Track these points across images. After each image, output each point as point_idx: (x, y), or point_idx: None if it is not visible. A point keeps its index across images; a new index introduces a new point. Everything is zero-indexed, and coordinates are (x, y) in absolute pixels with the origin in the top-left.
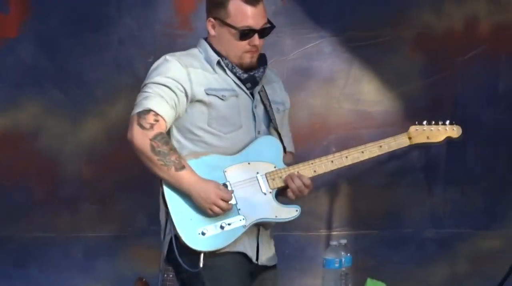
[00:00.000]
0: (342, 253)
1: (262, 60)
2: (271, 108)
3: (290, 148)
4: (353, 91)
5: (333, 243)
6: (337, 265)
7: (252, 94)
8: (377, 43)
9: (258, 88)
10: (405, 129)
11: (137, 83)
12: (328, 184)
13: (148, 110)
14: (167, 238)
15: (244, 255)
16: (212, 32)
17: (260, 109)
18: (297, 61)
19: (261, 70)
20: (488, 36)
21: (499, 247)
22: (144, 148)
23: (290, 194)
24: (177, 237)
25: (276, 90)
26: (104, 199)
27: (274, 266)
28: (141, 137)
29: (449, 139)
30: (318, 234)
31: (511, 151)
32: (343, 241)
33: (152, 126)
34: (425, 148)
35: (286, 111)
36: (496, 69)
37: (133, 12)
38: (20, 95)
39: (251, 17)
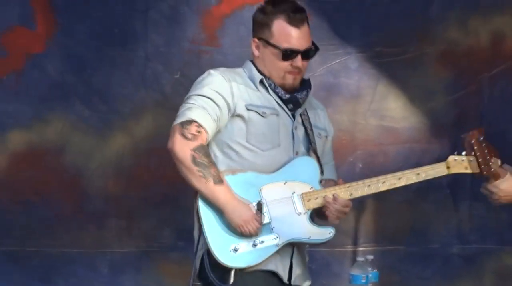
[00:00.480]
0: (369, 269)
1: (306, 84)
2: (312, 131)
3: (332, 176)
4: (380, 108)
5: (360, 259)
6: (363, 281)
7: (293, 115)
8: (403, 59)
9: (300, 110)
10: (432, 145)
11: (163, 100)
12: (354, 200)
13: (191, 121)
14: (199, 254)
15: (275, 274)
16: (256, 52)
17: (300, 131)
18: (323, 77)
19: (304, 93)
20: None
21: None
22: (184, 158)
23: (331, 218)
24: (209, 252)
25: (319, 117)
26: (130, 215)
27: None
28: (182, 147)
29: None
30: (344, 250)
31: None
32: (370, 257)
33: (194, 137)
34: None
35: (328, 138)
36: None
37: (160, 28)
38: (47, 110)
39: (294, 38)
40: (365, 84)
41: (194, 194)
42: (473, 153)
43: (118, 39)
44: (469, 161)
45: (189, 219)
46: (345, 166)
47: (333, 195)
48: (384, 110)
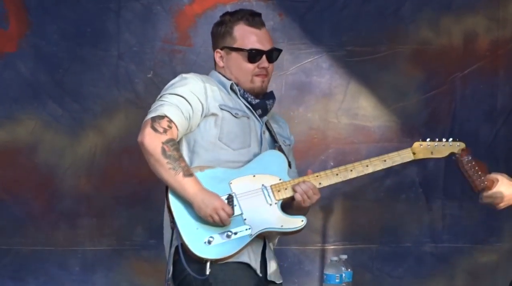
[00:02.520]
0: (343, 268)
1: (272, 95)
2: (277, 137)
3: None
4: (351, 106)
5: (334, 258)
6: (337, 280)
7: (261, 121)
8: (375, 59)
9: (266, 118)
10: (403, 144)
11: (136, 99)
12: (326, 198)
13: (163, 116)
14: (173, 250)
15: (249, 266)
16: (220, 63)
17: (267, 136)
18: (295, 76)
19: (271, 101)
20: (486, 52)
21: (497, 261)
22: (155, 150)
23: (297, 196)
24: (184, 245)
25: (283, 128)
26: (102, 213)
27: (280, 284)
28: (152, 140)
29: (452, 154)
30: (316, 248)
31: (508, 165)
32: (344, 256)
33: (165, 130)
34: (423, 162)
35: (291, 146)
36: (494, 85)
37: (132, 27)
38: (19, 109)
39: (257, 39)
40: (337, 83)
41: (165, 191)
42: (466, 175)
43: (91, 39)
44: (434, 146)
45: (161, 217)
46: (316, 164)
47: (303, 179)
48: (356, 109)
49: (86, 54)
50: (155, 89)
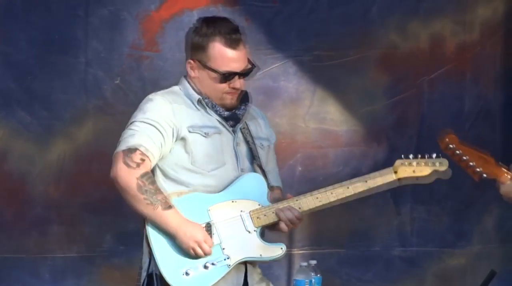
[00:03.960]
0: (312, 274)
1: (244, 98)
2: (254, 144)
3: (277, 182)
4: (319, 111)
5: (303, 264)
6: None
7: (234, 131)
8: (343, 63)
9: (240, 125)
10: (370, 148)
11: (104, 105)
12: None
13: (135, 149)
14: (145, 276)
15: None
16: (192, 73)
17: (243, 147)
18: (262, 81)
19: (243, 107)
20: (453, 55)
21: (465, 264)
22: (129, 187)
23: (282, 225)
24: (160, 277)
25: (260, 126)
26: (72, 220)
27: None
28: (126, 176)
29: (437, 178)
30: (286, 253)
31: None
32: (313, 262)
33: (138, 165)
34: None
35: (271, 146)
36: (461, 88)
37: (100, 34)
38: None
39: (232, 60)
40: (304, 87)
41: (142, 220)
42: (461, 160)
43: (59, 46)
44: (417, 163)
45: (131, 224)
46: (285, 169)
47: (288, 206)
48: (324, 113)
49: (54, 61)
50: (123, 95)
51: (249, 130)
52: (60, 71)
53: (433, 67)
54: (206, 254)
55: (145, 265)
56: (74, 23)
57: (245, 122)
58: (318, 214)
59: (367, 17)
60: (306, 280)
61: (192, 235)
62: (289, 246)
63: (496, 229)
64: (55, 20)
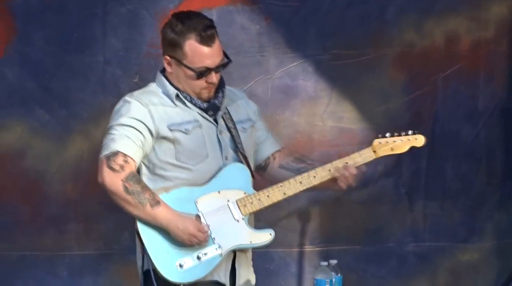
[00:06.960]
0: (333, 274)
1: (220, 85)
2: (236, 130)
3: (276, 146)
4: (337, 109)
5: (324, 263)
6: (327, 285)
7: (215, 120)
8: (360, 62)
9: (220, 113)
10: None
11: None
12: (311, 200)
13: (116, 152)
14: (142, 275)
15: (218, 283)
16: (168, 69)
17: (226, 135)
18: (281, 80)
19: (220, 95)
20: (467, 53)
21: (478, 260)
22: (117, 190)
23: (341, 183)
24: (155, 271)
25: (239, 107)
26: (89, 218)
27: None
28: (112, 180)
29: (413, 148)
30: (302, 250)
31: (489, 166)
32: (333, 261)
33: (122, 167)
34: (405, 164)
35: (256, 124)
36: (475, 86)
37: (119, 32)
38: (5, 116)
39: (207, 57)
40: (322, 86)
41: (134, 219)
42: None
43: (77, 44)
44: (394, 142)
45: None
46: None
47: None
48: (341, 112)
49: (72, 60)
50: None
51: (230, 116)
52: (78, 70)
53: (448, 64)
54: (202, 242)
55: (139, 262)
56: (92, 22)
57: (226, 107)
58: (334, 212)
59: (384, 16)
60: (327, 280)
61: (184, 227)
62: (307, 244)
63: (509, 224)
64: (73, 19)
